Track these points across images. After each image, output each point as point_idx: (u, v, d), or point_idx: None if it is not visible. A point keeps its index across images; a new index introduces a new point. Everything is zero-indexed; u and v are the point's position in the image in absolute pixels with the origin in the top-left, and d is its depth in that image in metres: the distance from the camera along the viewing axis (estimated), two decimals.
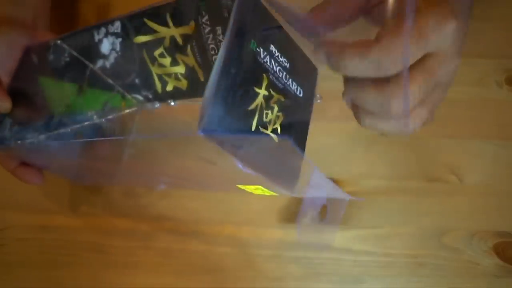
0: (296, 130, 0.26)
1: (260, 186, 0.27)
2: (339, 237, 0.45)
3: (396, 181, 0.45)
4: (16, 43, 0.33)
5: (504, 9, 0.49)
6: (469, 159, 0.45)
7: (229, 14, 0.21)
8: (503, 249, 0.44)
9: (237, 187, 0.29)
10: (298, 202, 0.45)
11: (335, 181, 0.45)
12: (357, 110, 0.24)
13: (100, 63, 0.29)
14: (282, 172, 0.26)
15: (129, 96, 0.30)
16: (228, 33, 0.20)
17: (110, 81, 0.29)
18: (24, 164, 0.36)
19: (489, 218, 0.45)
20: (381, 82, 0.22)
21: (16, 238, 0.46)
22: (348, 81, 0.23)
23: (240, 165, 0.22)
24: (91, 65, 0.29)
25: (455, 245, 0.45)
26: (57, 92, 0.31)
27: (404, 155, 0.46)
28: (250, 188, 0.29)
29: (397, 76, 0.21)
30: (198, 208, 0.45)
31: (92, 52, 0.29)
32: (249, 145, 0.22)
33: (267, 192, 0.29)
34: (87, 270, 0.46)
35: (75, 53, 0.30)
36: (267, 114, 0.23)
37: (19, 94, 0.32)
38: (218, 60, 0.20)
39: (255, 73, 0.22)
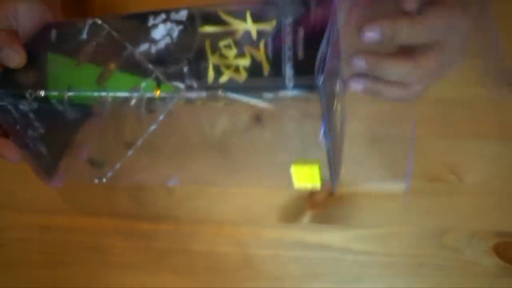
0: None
1: (317, 167, 0.28)
2: (339, 237, 0.45)
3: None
4: (40, 12, 0.33)
5: (504, 8, 0.49)
6: (469, 159, 0.44)
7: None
8: (503, 249, 0.44)
9: (293, 166, 0.29)
10: (298, 202, 0.45)
11: None
12: (372, 81, 0.30)
13: (144, 47, 0.29)
14: (336, 159, 0.30)
15: (167, 84, 0.29)
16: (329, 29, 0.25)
17: (150, 66, 0.29)
18: (4, 136, 0.34)
19: (489, 218, 0.45)
20: (407, 53, 0.29)
21: (16, 238, 0.46)
22: (370, 55, 0.29)
23: (322, 131, 0.25)
24: (130, 48, 0.29)
25: (455, 245, 0.44)
26: (68, 71, 0.31)
27: (404, 155, 0.46)
28: (302, 171, 0.29)
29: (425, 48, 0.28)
30: (198, 208, 0.45)
31: (138, 36, 0.29)
32: (331, 115, 0.26)
33: (313, 179, 0.29)
34: (86, 270, 0.46)
35: (115, 34, 0.30)
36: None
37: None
38: (327, 40, 0.24)
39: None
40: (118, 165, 0.33)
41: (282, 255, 0.45)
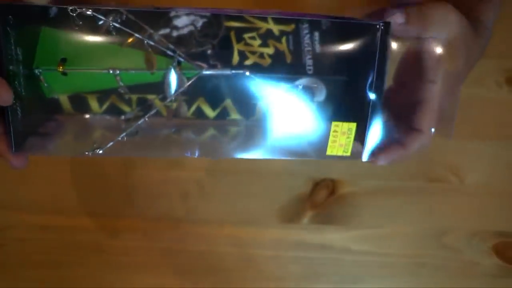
0: None
1: (355, 124, 0.31)
2: (339, 237, 0.45)
3: (396, 181, 0.45)
4: None
5: (503, 9, 0.49)
6: (469, 159, 0.45)
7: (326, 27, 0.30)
8: (503, 249, 0.44)
9: (333, 124, 0.31)
10: (298, 202, 0.45)
11: (335, 181, 0.45)
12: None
13: (165, 31, 0.30)
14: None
15: (189, 63, 0.30)
16: None
17: (170, 45, 0.30)
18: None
19: (489, 218, 0.45)
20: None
21: (16, 238, 0.46)
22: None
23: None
24: (149, 30, 0.29)
25: (455, 245, 0.45)
26: (63, 46, 0.30)
27: None
28: (341, 128, 0.31)
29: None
30: (198, 208, 0.45)
31: (158, 22, 0.30)
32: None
33: (347, 142, 0.32)
34: (87, 270, 0.46)
35: (132, 18, 0.30)
36: None
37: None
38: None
39: None
40: (121, 136, 0.31)
41: (282, 255, 0.45)
